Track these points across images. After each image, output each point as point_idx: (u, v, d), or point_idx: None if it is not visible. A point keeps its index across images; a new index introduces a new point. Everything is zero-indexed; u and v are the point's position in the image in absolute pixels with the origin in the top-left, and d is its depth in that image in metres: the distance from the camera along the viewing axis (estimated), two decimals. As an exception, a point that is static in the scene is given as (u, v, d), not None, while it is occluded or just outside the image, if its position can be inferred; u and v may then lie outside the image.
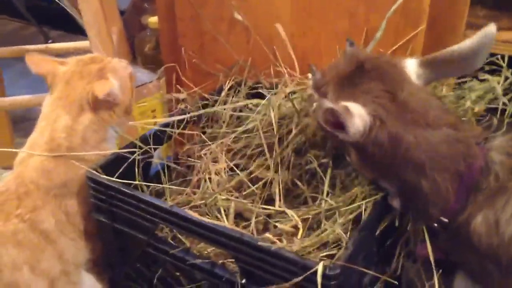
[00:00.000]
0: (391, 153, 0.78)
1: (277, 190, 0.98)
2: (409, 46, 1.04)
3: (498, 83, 0.96)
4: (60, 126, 1.01)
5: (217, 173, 1.03)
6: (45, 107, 1.05)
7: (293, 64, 1.20)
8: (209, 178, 1.03)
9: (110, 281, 1.09)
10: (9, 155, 1.81)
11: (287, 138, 1.04)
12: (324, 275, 0.73)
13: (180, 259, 0.91)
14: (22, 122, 2.00)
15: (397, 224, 0.87)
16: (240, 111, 1.18)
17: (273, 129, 1.04)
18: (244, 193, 1.00)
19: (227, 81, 1.22)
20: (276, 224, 0.91)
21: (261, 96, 1.20)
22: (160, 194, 1.08)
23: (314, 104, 0.91)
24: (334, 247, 0.88)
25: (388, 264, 0.93)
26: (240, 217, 0.98)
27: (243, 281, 0.84)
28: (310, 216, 0.93)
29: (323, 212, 0.91)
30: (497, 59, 0.98)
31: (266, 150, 1.02)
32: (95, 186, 0.96)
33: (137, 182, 1.00)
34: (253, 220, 0.93)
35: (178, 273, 0.94)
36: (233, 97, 1.22)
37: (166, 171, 1.09)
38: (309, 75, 1.19)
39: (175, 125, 1.11)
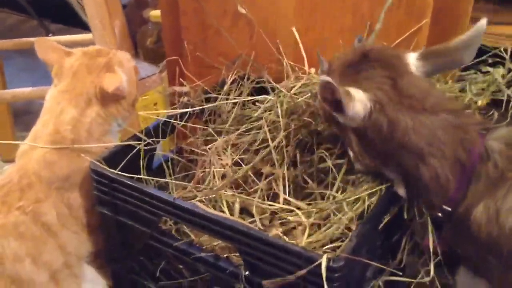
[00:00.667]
0: (390, 138, 0.81)
1: (281, 187, 0.98)
2: (414, 40, 1.04)
3: (503, 76, 0.96)
4: (66, 119, 1.01)
5: (222, 167, 1.02)
6: (49, 100, 1.05)
7: (296, 58, 1.20)
8: (214, 172, 1.03)
9: (113, 273, 1.09)
10: (10, 149, 1.81)
11: (293, 133, 1.04)
12: (328, 268, 0.73)
13: (184, 252, 0.91)
14: (23, 116, 2.00)
15: (405, 216, 0.88)
16: (243, 105, 1.18)
17: (279, 125, 1.04)
18: (250, 190, 1.00)
19: (230, 75, 1.22)
20: (288, 217, 0.91)
21: (264, 91, 1.20)
22: (163, 188, 1.08)
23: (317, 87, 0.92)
24: (339, 241, 0.88)
25: (392, 257, 0.93)
26: (245, 212, 0.98)
27: (247, 273, 0.84)
28: (314, 210, 0.93)
29: (331, 209, 0.91)
30: (500, 51, 0.98)
31: (271, 145, 1.02)
32: (98, 179, 0.96)
33: (142, 177, 1.00)
34: (257, 216, 0.93)
35: (181, 266, 0.94)
36: (235, 91, 1.21)
37: (170, 164, 1.09)
38: (312, 70, 1.20)
39: (178, 118, 1.11)
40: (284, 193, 0.98)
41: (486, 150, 0.80)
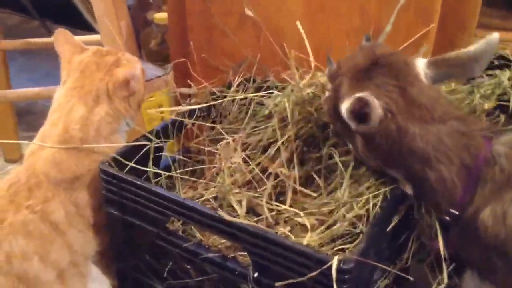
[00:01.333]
0: (398, 143, 0.82)
1: (289, 192, 0.99)
2: (421, 44, 1.05)
3: (509, 79, 0.97)
4: (76, 118, 1.01)
5: (232, 166, 1.02)
6: (57, 98, 1.05)
7: (302, 60, 1.20)
8: (225, 169, 1.03)
9: (118, 273, 1.09)
10: (13, 149, 1.83)
11: (300, 128, 1.04)
12: (338, 269, 0.73)
13: (192, 252, 0.91)
14: (26, 116, 2.00)
15: (416, 216, 0.88)
16: (249, 104, 1.18)
17: (287, 123, 1.05)
18: (259, 190, 1.00)
19: (236, 77, 1.23)
20: (296, 218, 0.92)
21: (270, 93, 1.20)
22: (169, 188, 1.08)
23: (326, 93, 0.93)
24: (345, 241, 0.89)
25: (398, 259, 0.93)
26: (252, 211, 0.98)
27: (256, 274, 0.84)
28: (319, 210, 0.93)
29: (340, 208, 0.91)
30: (506, 54, 0.99)
31: (280, 145, 1.02)
32: (107, 178, 0.96)
33: (153, 170, 0.99)
34: (267, 214, 0.93)
35: (188, 266, 0.94)
36: (242, 92, 1.22)
37: (177, 165, 1.09)
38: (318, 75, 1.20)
39: (187, 117, 1.11)
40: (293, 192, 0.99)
41: (492, 155, 0.81)
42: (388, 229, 0.87)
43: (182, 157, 1.15)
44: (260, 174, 1.01)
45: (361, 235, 0.86)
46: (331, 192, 0.99)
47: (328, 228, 0.91)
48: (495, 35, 0.82)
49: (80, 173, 1.00)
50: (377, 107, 0.80)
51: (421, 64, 0.86)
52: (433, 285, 0.83)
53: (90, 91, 1.02)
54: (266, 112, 1.12)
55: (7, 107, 1.81)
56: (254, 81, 1.24)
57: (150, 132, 1.06)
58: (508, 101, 0.97)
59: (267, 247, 0.80)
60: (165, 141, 1.07)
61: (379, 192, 0.90)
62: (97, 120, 1.02)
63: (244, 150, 1.09)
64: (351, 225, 0.89)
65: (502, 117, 0.96)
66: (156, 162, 1.07)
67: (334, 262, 0.73)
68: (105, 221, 1.04)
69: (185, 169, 1.15)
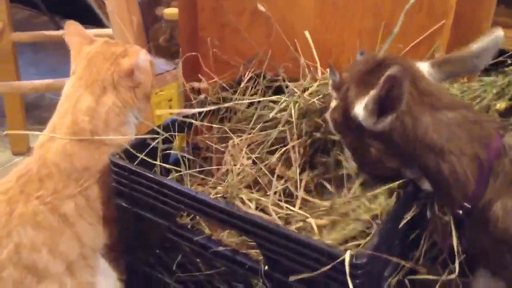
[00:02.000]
0: (413, 138, 0.82)
1: (300, 193, 0.99)
2: (434, 43, 1.05)
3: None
4: (83, 108, 1.01)
5: (240, 167, 1.02)
6: (67, 88, 1.05)
7: (312, 58, 1.20)
8: (232, 170, 1.03)
9: (127, 266, 1.09)
10: (20, 141, 1.83)
11: (306, 133, 1.04)
12: (351, 264, 0.73)
13: (203, 246, 0.91)
14: (34, 110, 2.00)
15: (429, 214, 0.88)
16: (259, 103, 1.18)
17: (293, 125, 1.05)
18: (268, 192, 1.00)
19: (246, 73, 1.22)
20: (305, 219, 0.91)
21: (280, 89, 1.20)
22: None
23: (332, 104, 0.93)
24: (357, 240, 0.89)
25: (410, 256, 0.93)
26: (262, 212, 0.98)
27: (266, 268, 0.84)
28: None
29: (350, 209, 0.92)
30: None
31: (292, 149, 1.02)
32: (118, 171, 0.96)
33: (163, 164, 0.99)
34: (275, 215, 0.93)
35: (198, 260, 0.94)
36: (252, 89, 1.22)
37: (186, 160, 1.09)
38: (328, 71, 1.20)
39: (197, 114, 1.11)
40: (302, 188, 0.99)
41: (503, 147, 0.81)
42: (400, 226, 0.87)
43: (191, 153, 1.14)
44: (269, 175, 1.01)
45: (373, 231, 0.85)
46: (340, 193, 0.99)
47: (341, 229, 0.91)
48: (498, 32, 0.83)
49: (91, 165, 1.00)
50: (405, 84, 0.77)
51: (424, 66, 0.88)
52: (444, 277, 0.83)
53: (97, 81, 1.02)
54: (271, 116, 1.11)
55: (17, 100, 1.82)
56: (264, 77, 1.24)
57: (159, 127, 1.06)
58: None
59: (279, 241, 0.80)
60: (175, 135, 1.07)
61: (393, 185, 0.90)
62: (104, 111, 1.01)
63: (251, 150, 1.09)
64: (364, 224, 0.89)
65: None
66: (165, 158, 1.07)
67: (347, 257, 0.73)
68: (114, 214, 1.04)
69: (195, 167, 1.16)
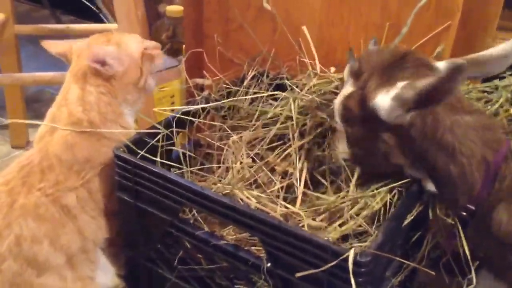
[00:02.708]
0: (430, 136, 0.82)
1: (299, 189, 0.98)
2: (440, 43, 1.05)
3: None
4: (73, 98, 1.01)
5: (240, 165, 1.02)
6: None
7: (319, 55, 1.20)
8: (232, 168, 1.03)
9: (128, 261, 1.09)
10: (19, 135, 1.82)
11: (307, 131, 1.04)
12: (354, 262, 0.73)
13: (205, 242, 0.90)
14: (34, 103, 1.99)
15: (431, 215, 0.88)
16: (262, 102, 1.18)
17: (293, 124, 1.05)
18: (269, 190, 0.99)
19: (250, 71, 1.22)
20: (301, 219, 0.91)
21: (283, 87, 1.20)
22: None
23: (345, 90, 0.89)
24: (357, 238, 0.88)
25: (412, 258, 0.93)
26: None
27: (269, 265, 0.84)
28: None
29: (347, 207, 0.91)
30: None
31: (293, 146, 1.02)
32: (121, 164, 0.96)
33: (166, 161, 0.98)
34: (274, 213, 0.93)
35: (200, 256, 0.94)
36: (255, 86, 1.21)
37: (187, 157, 1.09)
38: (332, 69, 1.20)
39: (200, 110, 1.11)
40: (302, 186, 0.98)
41: (510, 151, 0.81)
42: (403, 225, 0.87)
43: (192, 150, 1.13)
44: (269, 173, 1.01)
45: (376, 231, 0.85)
46: (338, 190, 0.99)
47: (340, 226, 0.90)
48: None
49: (92, 156, 1.00)
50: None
51: (440, 66, 0.86)
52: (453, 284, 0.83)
53: (79, 70, 1.02)
54: (270, 115, 1.11)
55: (17, 93, 1.81)
56: (267, 75, 1.23)
57: (160, 123, 1.05)
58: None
59: (283, 238, 0.80)
60: (178, 132, 1.06)
61: (394, 186, 0.89)
62: (93, 101, 1.01)
63: (252, 147, 1.09)
64: (364, 219, 0.89)
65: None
66: (167, 155, 1.06)
67: (351, 255, 0.73)
68: (116, 208, 1.04)
69: (197, 164, 1.15)
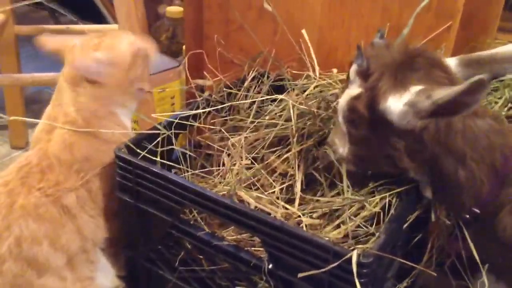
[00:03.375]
0: (443, 141, 0.79)
1: (297, 189, 0.98)
2: (441, 43, 1.05)
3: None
4: (67, 99, 1.01)
5: (238, 167, 1.02)
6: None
7: (320, 56, 1.20)
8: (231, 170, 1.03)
9: (128, 262, 1.09)
10: (19, 136, 1.82)
11: (306, 134, 1.04)
12: (357, 263, 0.73)
13: (206, 242, 0.90)
14: (33, 104, 1.99)
15: (432, 218, 0.88)
16: (262, 102, 1.18)
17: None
18: (267, 192, 0.99)
19: (250, 72, 1.22)
20: (301, 218, 0.91)
21: (284, 88, 1.20)
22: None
23: (352, 91, 0.85)
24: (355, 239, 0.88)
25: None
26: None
27: (270, 266, 0.84)
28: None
29: (347, 208, 0.91)
30: None
31: (293, 151, 1.02)
32: (122, 165, 0.95)
33: (167, 161, 0.98)
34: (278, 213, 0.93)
35: (201, 257, 0.94)
36: (255, 87, 1.21)
37: (187, 157, 1.09)
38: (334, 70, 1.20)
39: (201, 113, 1.11)
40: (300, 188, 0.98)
41: None
42: (405, 226, 0.87)
43: (192, 152, 1.13)
44: (267, 176, 1.01)
45: (376, 233, 0.85)
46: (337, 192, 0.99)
47: (338, 226, 0.91)
48: None
49: (91, 155, 1.00)
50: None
51: (451, 62, 0.86)
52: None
53: (70, 71, 1.01)
54: (268, 118, 1.11)
55: (17, 93, 1.81)
56: (268, 76, 1.23)
57: (160, 124, 1.05)
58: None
59: (284, 238, 0.80)
60: (178, 133, 1.06)
61: (393, 191, 0.89)
62: (86, 102, 1.00)
63: (253, 148, 1.09)
64: (365, 221, 0.89)
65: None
66: (167, 156, 1.06)
67: (354, 256, 0.73)
68: (116, 208, 1.04)
69: (197, 165, 1.15)
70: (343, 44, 1.18)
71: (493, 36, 1.06)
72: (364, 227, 0.89)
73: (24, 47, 2.29)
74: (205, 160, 1.17)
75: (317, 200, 0.97)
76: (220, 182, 1.03)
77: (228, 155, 1.08)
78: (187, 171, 1.06)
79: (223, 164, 1.09)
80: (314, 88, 1.14)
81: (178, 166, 1.05)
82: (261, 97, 1.18)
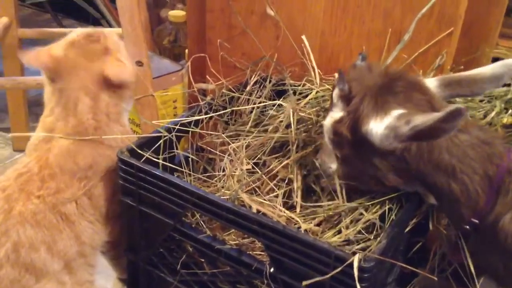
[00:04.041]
0: (427, 159, 0.81)
1: (298, 196, 0.99)
2: (442, 51, 1.05)
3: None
4: (85, 109, 1.00)
5: (240, 172, 1.03)
6: (54, 93, 1.04)
7: (322, 61, 1.21)
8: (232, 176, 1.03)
9: (130, 265, 1.09)
10: (23, 139, 1.81)
11: (306, 139, 1.05)
12: (359, 267, 0.73)
13: (208, 246, 0.90)
14: (35, 107, 1.99)
15: (430, 226, 0.88)
16: (264, 107, 1.18)
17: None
18: (268, 196, 1.00)
19: (252, 76, 1.23)
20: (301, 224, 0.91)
21: (286, 93, 1.21)
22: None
23: (335, 114, 0.87)
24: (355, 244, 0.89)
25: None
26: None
27: (272, 269, 0.84)
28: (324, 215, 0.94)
29: (345, 214, 0.91)
30: None
31: (292, 157, 1.02)
32: (125, 168, 0.96)
33: (169, 164, 0.99)
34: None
35: (202, 260, 0.94)
36: (257, 92, 1.22)
37: (190, 161, 1.09)
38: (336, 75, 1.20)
39: (203, 114, 1.11)
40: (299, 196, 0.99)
41: None
42: (406, 231, 0.87)
43: (194, 155, 1.14)
44: (268, 180, 1.01)
45: (378, 237, 0.85)
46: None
47: (339, 232, 0.91)
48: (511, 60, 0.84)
49: (95, 162, 0.99)
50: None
51: (431, 82, 0.87)
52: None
53: (91, 81, 1.00)
54: (269, 124, 1.11)
55: (19, 96, 1.81)
56: (270, 80, 1.24)
57: (163, 128, 1.05)
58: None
59: (286, 243, 0.80)
60: (180, 137, 1.07)
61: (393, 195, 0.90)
62: (104, 106, 1.01)
63: (254, 152, 1.09)
64: (365, 228, 0.89)
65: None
66: (169, 161, 1.07)
67: (356, 260, 0.73)
68: (118, 212, 1.04)
69: (199, 169, 1.15)
70: (345, 49, 1.18)
71: (494, 42, 1.07)
72: (364, 233, 0.89)
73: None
74: (207, 163, 1.17)
75: (318, 206, 0.98)
76: (222, 187, 1.04)
77: (230, 161, 1.08)
78: (190, 175, 1.06)
79: (224, 169, 1.09)
80: (316, 93, 1.15)
81: (181, 170, 1.05)
82: (263, 102, 1.18)
